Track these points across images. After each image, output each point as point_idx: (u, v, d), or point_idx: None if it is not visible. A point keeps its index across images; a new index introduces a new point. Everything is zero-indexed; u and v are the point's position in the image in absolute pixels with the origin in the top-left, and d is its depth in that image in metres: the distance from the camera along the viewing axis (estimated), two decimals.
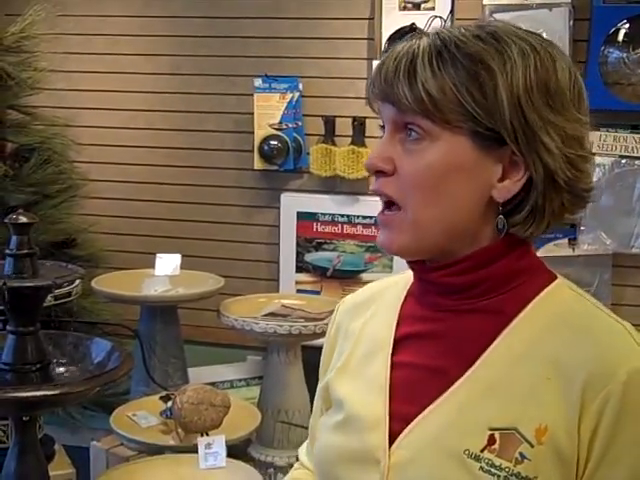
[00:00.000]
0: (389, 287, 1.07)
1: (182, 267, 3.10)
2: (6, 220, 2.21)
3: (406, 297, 1.03)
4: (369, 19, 3.28)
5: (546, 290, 0.94)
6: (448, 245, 0.93)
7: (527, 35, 0.92)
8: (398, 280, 1.06)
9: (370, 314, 1.06)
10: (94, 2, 3.55)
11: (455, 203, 0.90)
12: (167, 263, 3.07)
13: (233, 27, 3.41)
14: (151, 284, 2.99)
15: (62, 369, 2.28)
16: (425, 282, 0.98)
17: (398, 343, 0.99)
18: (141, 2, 3.51)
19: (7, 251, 2.19)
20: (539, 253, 3.22)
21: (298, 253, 3.36)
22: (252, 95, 3.34)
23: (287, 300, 3.11)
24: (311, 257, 3.34)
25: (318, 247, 3.33)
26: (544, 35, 0.96)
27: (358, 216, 3.24)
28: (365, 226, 3.22)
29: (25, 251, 2.18)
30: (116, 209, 3.58)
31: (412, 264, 0.99)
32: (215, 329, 3.26)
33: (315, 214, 3.33)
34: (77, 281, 2.66)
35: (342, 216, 3.27)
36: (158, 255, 3.11)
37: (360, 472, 0.93)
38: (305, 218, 3.34)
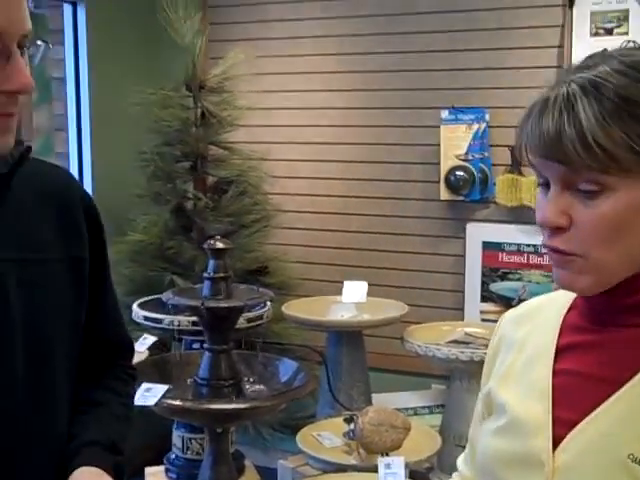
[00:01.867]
0: (551, 301, 1.09)
1: (368, 295, 3.18)
2: (204, 246, 2.39)
3: (569, 309, 1.05)
4: (558, 47, 3.26)
5: None
6: (629, 274, 0.94)
7: None
8: (561, 295, 1.08)
9: (533, 324, 1.08)
10: (290, 43, 3.74)
11: (635, 240, 0.91)
12: (354, 290, 3.16)
13: (421, 61, 3.49)
14: (338, 310, 3.10)
15: (252, 386, 2.43)
16: (592, 301, 0.99)
17: (560, 352, 1.01)
18: (334, 41, 3.66)
19: (205, 274, 2.37)
20: None
21: (483, 283, 3.36)
22: (439, 127, 3.40)
23: (471, 328, 3.11)
24: (496, 287, 3.33)
25: (503, 277, 3.32)
26: None
27: None
28: None
29: (221, 274, 2.35)
30: (306, 239, 3.73)
31: None
32: (399, 357, 3.31)
33: (501, 244, 3.32)
34: (268, 305, 2.81)
35: (528, 246, 3.25)
36: (345, 283, 3.21)
37: (524, 476, 0.96)
38: (491, 248, 3.34)
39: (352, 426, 2.57)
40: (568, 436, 0.93)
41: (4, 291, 1.07)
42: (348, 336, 2.99)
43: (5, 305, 1.07)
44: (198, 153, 3.42)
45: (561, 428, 0.94)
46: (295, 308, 3.10)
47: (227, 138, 3.54)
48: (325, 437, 2.72)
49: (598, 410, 0.93)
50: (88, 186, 3.47)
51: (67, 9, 3.49)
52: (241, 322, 2.62)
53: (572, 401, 0.95)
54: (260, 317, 2.76)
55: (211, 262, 2.35)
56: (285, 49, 3.74)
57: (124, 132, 3.45)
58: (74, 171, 3.48)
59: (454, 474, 1.21)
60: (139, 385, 2.15)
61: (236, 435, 2.98)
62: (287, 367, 2.45)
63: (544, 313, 1.08)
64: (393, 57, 3.54)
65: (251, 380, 2.44)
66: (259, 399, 2.28)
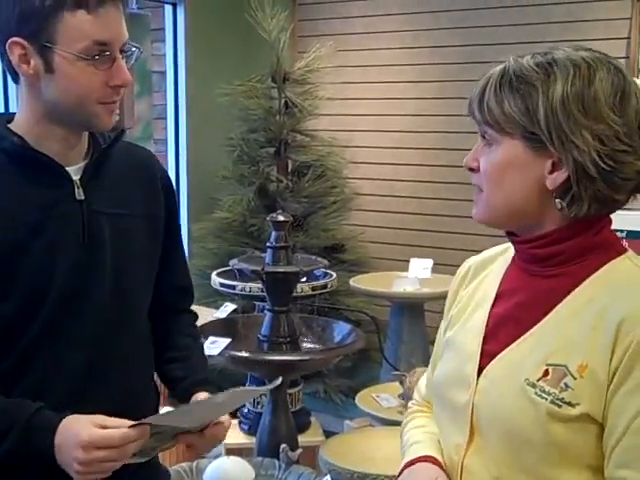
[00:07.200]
0: (503, 253, 1.32)
1: (434, 273, 3.39)
2: (267, 219, 2.69)
3: (511, 262, 1.29)
4: (627, 38, 3.40)
5: (611, 262, 1.16)
6: (517, 221, 1.19)
7: (579, 55, 1.13)
8: (509, 248, 1.31)
9: (485, 274, 1.31)
10: (369, 38, 4.01)
11: (515, 189, 1.16)
12: (419, 267, 3.39)
13: (493, 53, 3.66)
14: (401, 284, 3.33)
15: (309, 344, 2.72)
16: (519, 252, 1.24)
17: (498, 297, 1.25)
18: (410, 35, 3.90)
19: (267, 244, 2.67)
20: None
21: None
22: None
23: None
24: None
25: None
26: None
27: None
28: None
29: (282, 244, 2.64)
30: (381, 221, 3.98)
31: (509, 237, 1.24)
32: None
33: None
34: (334, 276, 3.09)
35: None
36: (412, 259, 3.44)
37: (458, 394, 1.22)
38: None
39: (406, 387, 2.81)
40: (489, 365, 1.19)
41: (102, 238, 1.37)
42: (409, 307, 3.24)
43: (102, 251, 1.36)
44: (281, 139, 3.73)
45: (486, 359, 1.20)
46: (362, 281, 3.36)
47: (308, 126, 3.83)
48: (383, 398, 2.98)
49: (512, 345, 1.18)
50: (183, 168, 3.86)
51: (168, 10, 3.87)
52: (306, 290, 2.91)
53: (497, 337, 1.21)
54: (325, 286, 3.03)
55: (273, 233, 2.64)
56: (364, 43, 4.01)
57: (214, 120, 3.80)
58: (171, 155, 3.87)
59: (413, 403, 1.45)
60: (206, 338, 2.47)
61: (308, 399, 3.27)
62: (342, 329, 2.73)
63: (496, 263, 1.32)
64: (465, 50, 3.75)
65: (308, 339, 2.73)
66: (311, 353, 2.57)
